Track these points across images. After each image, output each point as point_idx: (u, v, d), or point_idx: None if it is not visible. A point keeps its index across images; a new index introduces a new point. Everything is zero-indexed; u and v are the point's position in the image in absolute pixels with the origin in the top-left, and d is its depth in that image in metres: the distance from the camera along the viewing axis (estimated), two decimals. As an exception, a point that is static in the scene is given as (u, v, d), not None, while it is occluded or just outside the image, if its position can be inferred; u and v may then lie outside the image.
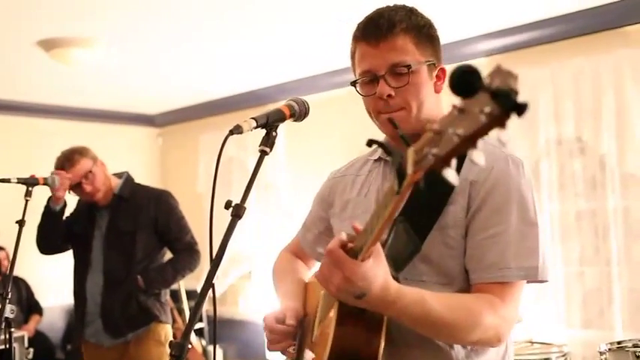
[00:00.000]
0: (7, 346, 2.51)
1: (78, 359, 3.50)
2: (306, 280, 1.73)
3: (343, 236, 1.21)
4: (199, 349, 5.73)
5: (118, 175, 3.43)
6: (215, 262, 1.23)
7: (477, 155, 0.80)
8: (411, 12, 1.45)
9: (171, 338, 3.37)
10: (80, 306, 3.34)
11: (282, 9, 3.72)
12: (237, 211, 1.27)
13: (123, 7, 3.68)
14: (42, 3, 3.56)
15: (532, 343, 3.57)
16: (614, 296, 3.93)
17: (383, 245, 1.19)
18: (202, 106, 6.45)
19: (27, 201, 2.70)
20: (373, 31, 1.41)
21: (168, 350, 3.27)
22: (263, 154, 1.33)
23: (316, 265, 1.82)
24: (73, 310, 3.51)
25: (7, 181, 2.73)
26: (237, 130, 1.26)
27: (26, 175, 2.84)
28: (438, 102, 1.49)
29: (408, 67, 1.39)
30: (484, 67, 3.92)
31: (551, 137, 4.14)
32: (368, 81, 1.44)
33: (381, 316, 1.26)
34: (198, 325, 6.02)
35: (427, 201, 0.91)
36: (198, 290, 4.35)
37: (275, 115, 1.33)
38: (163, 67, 5.00)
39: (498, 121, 0.76)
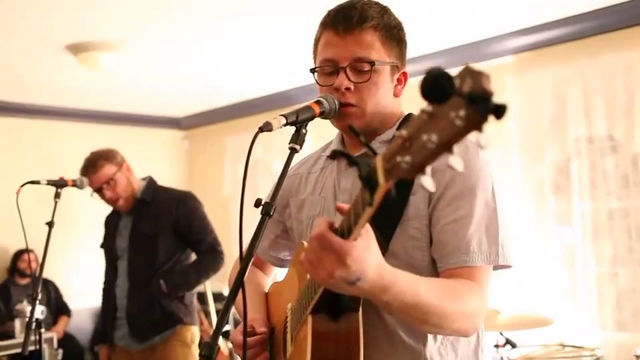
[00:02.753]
0: (38, 347, 2.52)
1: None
2: (265, 289, 1.69)
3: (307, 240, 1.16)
4: (226, 352, 5.73)
5: (143, 180, 3.44)
6: (245, 262, 1.20)
7: (454, 160, 0.75)
8: (384, 10, 1.43)
9: (196, 339, 3.38)
10: (110, 310, 3.35)
11: (308, 9, 3.71)
12: (267, 209, 1.24)
13: (149, 11, 3.70)
14: (70, 8, 3.59)
15: (564, 346, 3.51)
16: (648, 297, 3.85)
17: None
18: (228, 109, 6.46)
19: (56, 202, 2.72)
20: (343, 21, 1.38)
21: (194, 351, 3.27)
22: (293, 151, 1.30)
23: (274, 271, 1.79)
24: (101, 313, 3.52)
25: (37, 182, 2.75)
26: (266, 127, 1.23)
27: (55, 178, 2.87)
28: (396, 104, 1.47)
29: (372, 64, 1.37)
30: (511, 66, 3.87)
31: (581, 135, 4.07)
32: (328, 71, 1.41)
33: (357, 325, 1.23)
34: (225, 328, 6.03)
35: (390, 197, 0.86)
36: (225, 293, 4.37)
37: (305, 113, 1.31)
38: (189, 69, 5.02)
39: (476, 125, 0.71)
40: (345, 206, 1.07)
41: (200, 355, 1.13)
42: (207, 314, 5.93)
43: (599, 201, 4.03)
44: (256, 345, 1.42)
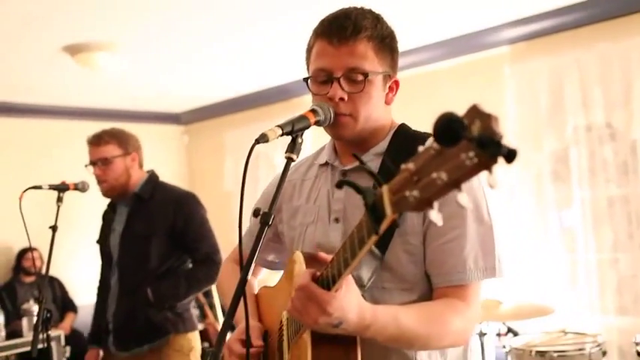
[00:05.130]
0: (46, 345, 2.56)
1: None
2: (254, 291, 1.71)
3: (301, 260, 1.26)
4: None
5: (147, 173, 3.24)
6: (245, 270, 1.23)
7: (462, 197, 0.78)
8: (377, 19, 1.43)
9: (195, 345, 3.17)
10: (102, 311, 3.17)
11: (306, 3, 3.71)
12: (266, 219, 1.27)
13: (145, 10, 3.71)
14: (67, 10, 3.60)
15: (565, 333, 3.54)
16: (649, 283, 3.88)
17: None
18: (227, 103, 6.48)
19: (59, 207, 2.74)
20: (337, 31, 1.39)
21: (193, 358, 3.09)
22: (289, 160, 1.32)
23: (262, 272, 1.81)
24: (93, 313, 3.33)
25: (39, 187, 2.77)
26: (262, 138, 1.26)
27: (57, 180, 2.88)
28: (387, 113, 1.50)
29: (365, 74, 1.38)
30: (507, 56, 3.87)
31: (579, 124, 4.08)
32: (322, 80, 1.42)
33: (355, 336, 1.27)
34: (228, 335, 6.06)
35: (394, 225, 0.92)
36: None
37: (300, 122, 1.32)
38: (187, 65, 5.03)
39: (485, 166, 0.73)
40: (328, 257, 1.20)
41: (205, 362, 1.16)
42: (212, 307, 5.98)
43: (599, 188, 4.05)
44: (252, 357, 1.45)
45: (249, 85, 5.91)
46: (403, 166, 0.85)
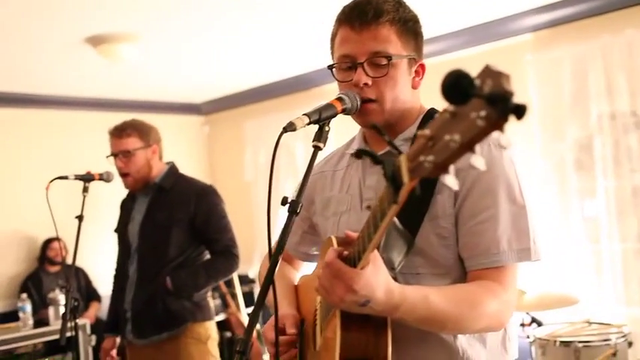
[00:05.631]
0: (74, 333, 2.61)
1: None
2: (295, 282, 1.73)
3: (334, 243, 1.23)
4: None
5: (167, 164, 3.28)
6: (273, 260, 1.23)
7: (476, 159, 0.77)
8: (399, 3, 1.43)
9: (212, 334, 3.21)
10: (120, 300, 3.21)
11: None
12: (294, 207, 1.27)
13: (165, 2, 3.71)
14: (88, 2, 3.62)
15: (590, 323, 3.52)
16: (675, 273, 3.83)
17: (377, 247, 1.18)
18: (247, 93, 6.48)
19: (84, 196, 2.77)
20: (359, 16, 1.39)
21: (211, 347, 3.17)
22: (317, 149, 1.32)
23: (303, 266, 1.83)
24: (110, 301, 3.38)
25: (65, 178, 2.81)
26: (290, 127, 1.26)
27: (79, 171, 2.92)
28: (415, 97, 1.49)
29: (389, 58, 1.38)
30: (530, 43, 3.80)
31: (603, 112, 4.02)
32: (346, 67, 1.42)
33: (385, 318, 1.26)
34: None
35: (414, 194, 0.90)
36: (250, 275, 4.34)
37: (327, 110, 1.32)
38: (208, 55, 5.04)
39: (496, 125, 0.73)
40: (354, 234, 1.16)
41: (235, 350, 1.18)
42: (234, 296, 6.02)
43: (623, 178, 4.00)
44: (285, 344, 1.47)
45: (269, 75, 5.91)
46: (419, 132, 0.85)
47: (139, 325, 3.10)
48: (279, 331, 1.47)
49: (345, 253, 1.18)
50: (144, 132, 3.16)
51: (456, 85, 0.74)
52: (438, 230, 1.36)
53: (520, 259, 1.33)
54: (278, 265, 1.23)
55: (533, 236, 1.34)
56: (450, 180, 0.81)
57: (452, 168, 0.81)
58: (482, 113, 0.73)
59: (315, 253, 1.74)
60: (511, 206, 1.34)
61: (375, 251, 1.13)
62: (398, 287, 1.19)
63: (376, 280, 1.14)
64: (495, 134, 0.74)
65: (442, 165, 0.80)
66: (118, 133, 3.13)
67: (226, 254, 3.15)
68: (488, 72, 0.74)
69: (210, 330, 3.20)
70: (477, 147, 0.77)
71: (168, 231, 3.08)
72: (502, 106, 0.71)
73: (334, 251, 1.17)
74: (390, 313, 1.20)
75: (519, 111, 0.71)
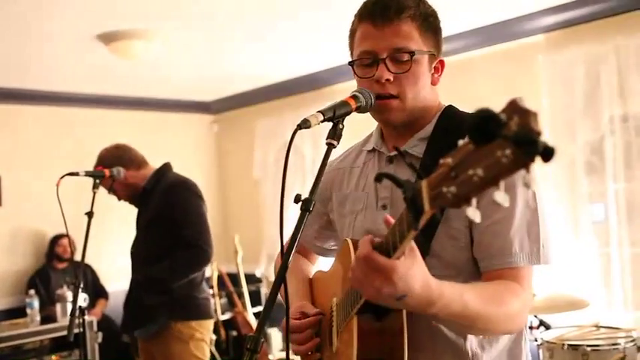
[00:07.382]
0: (81, 329, 2.63)
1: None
2: (310, 276, 1.73)
3: (351, 249, 1.23)
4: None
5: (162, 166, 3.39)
6: (285, 258, 1.22)
7: (499, 195, 0.75)
8: None
9: (196, 334, 3.21)
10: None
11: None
12: (307, 205, 1.26)
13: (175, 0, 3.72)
14: (100, -2, 3.63)
15: (598, 327, 3.49)
16: (685, 278, 3.80)
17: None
18: (257, 92, 6.48)
19: (94, 193, 2.78)
20: (380, 12, 1.39)
21: (195, 348, 3.25)
22: (330, 146, 1.31)
23: (319, 260, 1.83)
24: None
25: (76, 174, 2.82)
26: (304, 124, 1.25)
27: (90, 166, 2.93)
28: (434, 94, 1.48)
29: (411, 54, 1.38)
30: (542, 44, 3.78)
31: (615, 114, 4.00)
32: (367, 63, 1.42)
33: (401, 324, 1.25)
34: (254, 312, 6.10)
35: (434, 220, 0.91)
36: (257, 274, 4.33)
37: (341, 108, 1.32)
38: (218, 54, 5.04)
39: (522, 165, 0.71)
40: (391, 220, 1.11)
41: (246, 347, 1.17)
42: (240, 295, 6.02)
43: (635, 181, 3.97)
44: (309, 327, 1.47)
45: (278, 74, 5.90)
46: (442, 161, 0.84)
47: (124, 320, 3.38)
48: (302, 316, 1.48)
49: (376, 240, 1.13)
50: (112, 174, 3.06)
51: (483, 128, 0.73)
52: (450, 232, 1.36)
53: (530, 262, 1.33)
54: (289, 262, 1.22)
55: (543, 240, 1.34)
56: (471, 212, 0.80)
57: (474, 200, 0.80)
58: (508, 152, 0.71)
59: (332, 248, 1.74)
60: (524, 209, 1.33)
61: (413, 243, 1.07)
62: (436, 282, 1.14)
63: (415, 272, 1.08)
64: (521, 172, 0.72)
65: (464, 197, 0.80)
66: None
67: (190, 247, 3.12)
68: (514, 107, 0.72)
69: (196, 330, 3.19)
70: (501, 183, 0.75)
71: (147, 230, 3.23)
72: (529, 149, 0.69)
73: (368, 242, 1.11)
74: (423, 309, 1.14)
75: (547, 154, 0.69)
